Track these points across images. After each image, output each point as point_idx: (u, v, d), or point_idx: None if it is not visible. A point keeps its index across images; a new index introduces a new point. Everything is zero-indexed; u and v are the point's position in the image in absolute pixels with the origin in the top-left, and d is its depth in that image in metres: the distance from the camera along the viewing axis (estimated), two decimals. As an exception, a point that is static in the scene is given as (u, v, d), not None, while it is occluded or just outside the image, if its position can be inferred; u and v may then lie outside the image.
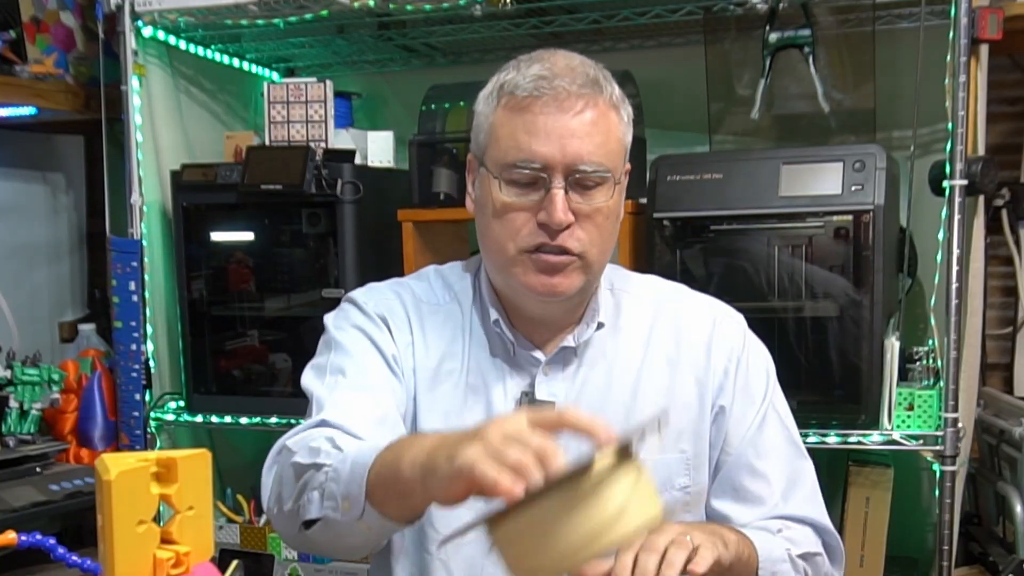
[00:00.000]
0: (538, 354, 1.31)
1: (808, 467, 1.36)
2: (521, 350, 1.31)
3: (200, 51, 2.40)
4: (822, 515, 1.34)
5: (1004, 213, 2.25)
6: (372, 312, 1.33)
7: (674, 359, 1.33)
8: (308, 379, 1.32)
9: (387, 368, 1.30)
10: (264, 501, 1.21)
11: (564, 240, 1.22)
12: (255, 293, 2.22)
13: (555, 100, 1.20)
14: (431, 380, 1.32)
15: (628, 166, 1.30)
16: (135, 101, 2.23)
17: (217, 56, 2.46)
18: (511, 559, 0.90)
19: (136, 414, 2.27)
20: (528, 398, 1.30)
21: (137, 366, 2.26)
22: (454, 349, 1.33)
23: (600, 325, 1.32)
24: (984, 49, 1.86)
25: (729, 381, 1.33)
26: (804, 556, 1.26)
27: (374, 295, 1.37)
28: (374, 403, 1.26)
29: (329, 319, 1.37)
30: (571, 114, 1.21)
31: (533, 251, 1.23)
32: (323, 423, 1.20)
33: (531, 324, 1.32)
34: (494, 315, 1.31)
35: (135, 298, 2.24)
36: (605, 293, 1.35)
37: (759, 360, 1.36)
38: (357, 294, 1.38)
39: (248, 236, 2.22)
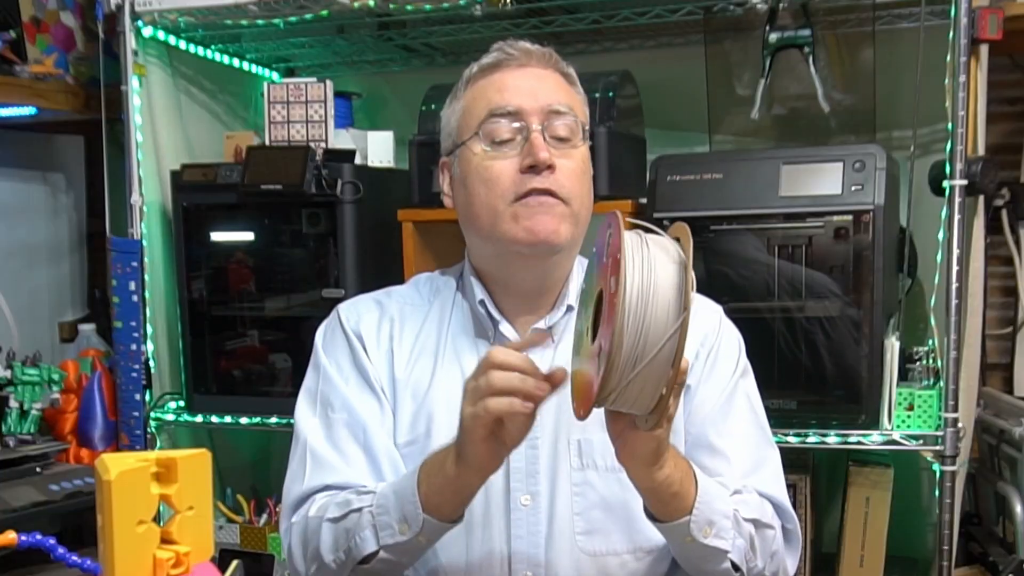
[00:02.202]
0: (512, 333, 1.34)
1: (775, 455, 1.37)
2: (501, 332, 1.35)
3: (200, 51, 2.40)
4: (784, 497, 1.34)
5: (1004, 213, 2.25)
6: (351, 332, 1.39)
7: None
8: (301, 411, 1.39)
9: (370, 391, 1.36)
10: (296, 564, 1.32)
11: (548, 181, 1.27)
12: (255, 293, 2.22)
13: (518, 62, 1.32)
14: (407, 370, 1.36)
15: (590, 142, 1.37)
16: (135, 101, 2.23)
17: (217, 56, 2.46)
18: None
19: (136, 414, 2.27)
20: None
21: (137, 366, 2.26)
22: (430, 335, 1.38)
23: (570, 308, 1.36)
24: (984, 49, 1.86)
25: (699, 363, 1.35)
26: (754, 522, 1.25)
27: (356, 309, 1.42)
28: (365, 440, 1.33)
29: (319, 336, 1.43)
30: (536, 71, 1.32)
31: (523, 198, 1.27)
32: (327, 487, 1.31)
33: (514, 302, 1.36)
34: (479, 295, 1.35)
35: (135, 298, 2.24)
36: None
37: (730, 346, 1.39)
38: (343, 308, 1.43)
39: (248, 236, 2.22)
